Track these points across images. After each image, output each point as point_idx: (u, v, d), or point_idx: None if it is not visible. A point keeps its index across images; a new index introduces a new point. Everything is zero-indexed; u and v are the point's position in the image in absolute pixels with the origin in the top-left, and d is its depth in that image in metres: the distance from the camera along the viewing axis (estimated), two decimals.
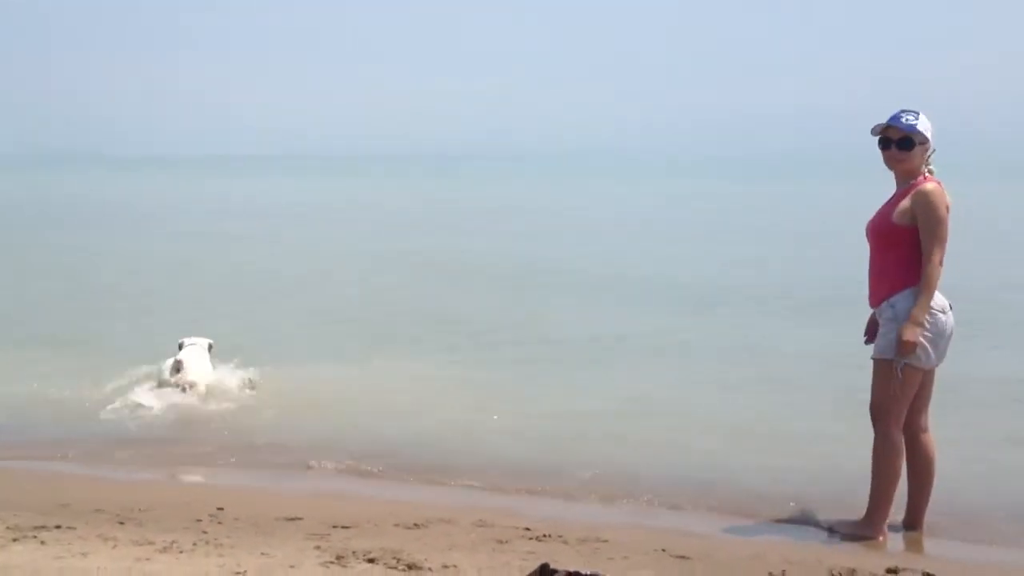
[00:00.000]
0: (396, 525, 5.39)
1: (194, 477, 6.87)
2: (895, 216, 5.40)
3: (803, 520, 5.82)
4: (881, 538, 5.47)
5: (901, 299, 5.34)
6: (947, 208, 5.34)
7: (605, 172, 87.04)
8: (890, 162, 5.47)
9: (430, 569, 4.48)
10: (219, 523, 5.40)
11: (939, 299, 5.35)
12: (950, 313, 5.40)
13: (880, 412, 5.45)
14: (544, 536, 5.21)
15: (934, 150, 5.46)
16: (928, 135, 5.42)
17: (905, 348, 5.30)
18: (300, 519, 5.47)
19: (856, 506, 5.61)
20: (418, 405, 8.55)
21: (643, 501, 6.24)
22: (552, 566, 3.64)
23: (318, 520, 5.43)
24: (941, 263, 5.30)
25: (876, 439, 5.47)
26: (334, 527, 5.30)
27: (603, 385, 9.30)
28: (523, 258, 19.40)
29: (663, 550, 5.00)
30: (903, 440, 5.46)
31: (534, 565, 4.47)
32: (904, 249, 5.37)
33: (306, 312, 13.65)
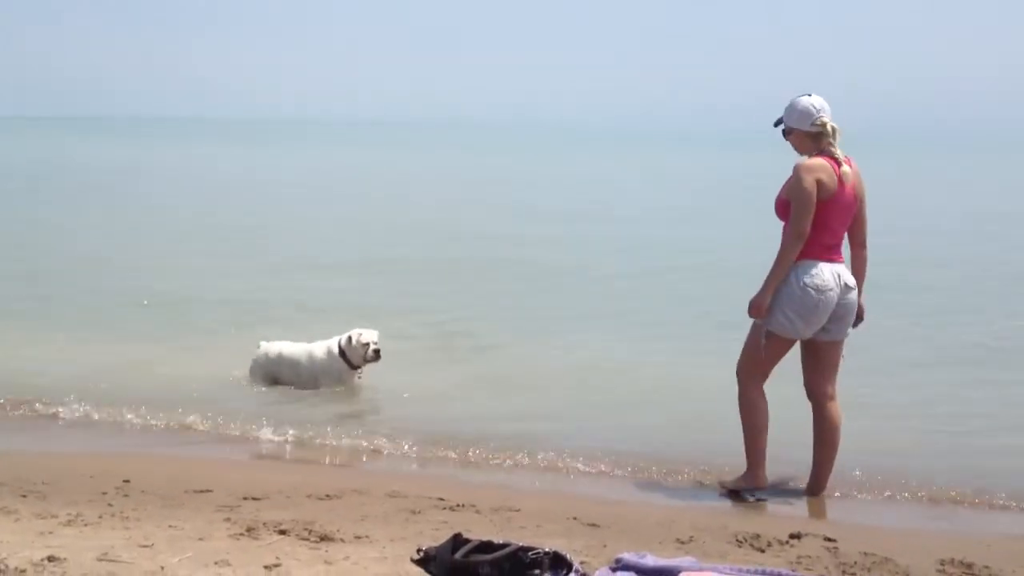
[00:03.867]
0: (308, 496, 5.34)
1: (99, 449, 6.68)
2: (783, 191, 5.59)
3: (712, 487, 5.96)
4: (764, 485, 5.73)
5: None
6: (819, 182, 5.43)
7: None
8: None
9: (343, 540, 4.46)
10: (125, 496, 5.29)
11: (823, 277, 5.46)
12: (835, 291, 5.48)
13: (740, 369, 5.73)
14: (457, 506, 5.22)
15: (824, 124, 5.53)
16: (797, 119, 5.57)
17: (750, 309, 5.57)
18: (209, 491, 5.38)
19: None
20: None
21: (556, 470, 6.31)
22: (465, 535, 3.65)
23: (228, 492, 5.36)
24: (800, 235, 5.42)
25: (739, 395, 5.74)
26: (244, 499, 5.23)
27: (523, 354, 9.36)
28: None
29: (575, 518, 5.07)
30: (762, 397, 5.72)
31: (447, 535, 4.49)
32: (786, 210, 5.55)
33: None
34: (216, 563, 4.06)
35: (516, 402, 7.83)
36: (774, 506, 5.70)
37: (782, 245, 5.48)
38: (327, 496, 5.36)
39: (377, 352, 7.96)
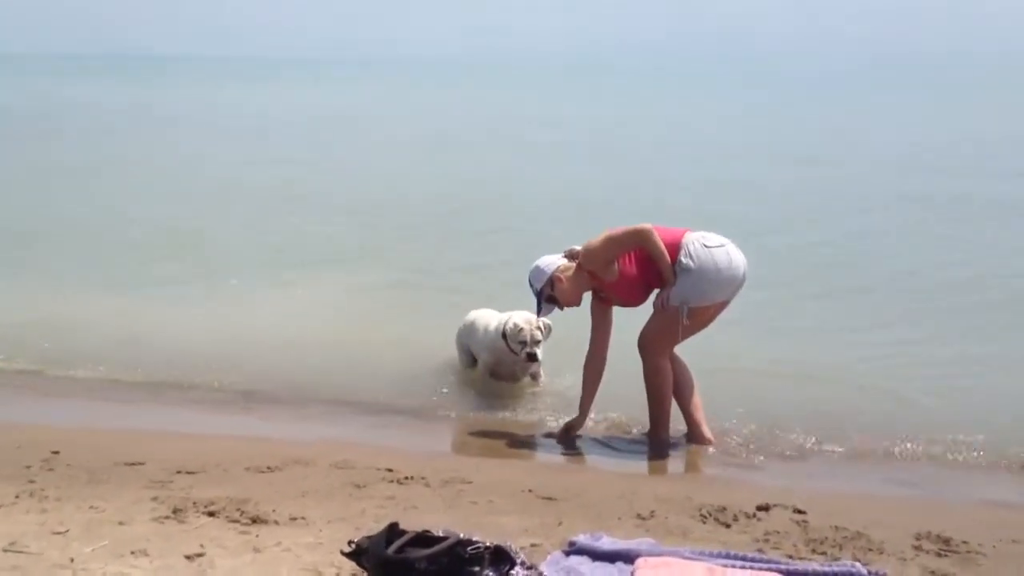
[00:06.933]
0: (247, 469, 5.03)
1: (28, 416, 6.31)
2: (615, 293, 5.74)
3: (673, 456, 5.68)
4: (667, 443, 5.81)
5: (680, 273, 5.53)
6: (606, 261, 5.62)
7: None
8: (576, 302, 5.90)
9: (276, 522, 4.13)
10: (50, 470, 4.96)
11: (714, 236, 5.58)
12: (726, 246, 5.56)
13: (647, 344, 5.71)
14: (406, 479, 4.90)
15: (569, 249, 5.81)
16: (544, 272, 5.78)
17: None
18: (141, 464, 5.05)
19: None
20: (289, 335, 8.14)
21: (510, 440, 5.97)
22: (401, 526, 3.34)
23: (161, 465, 5.02)
24: (661, 255, 5.49)
25: (646, 367, 5.72)
26: (178, 473, 4.90)
27: None
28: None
29: (530, 491, 4.77)
30: (668, 365, 5.78)
31: (391, 513, 4.19)
32: (640, 264, 5.64)
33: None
34: (132, 553, 3.73)
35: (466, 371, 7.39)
36: (741, 475, 5.42)
37: (660, 265, 5.56)
38: (268, 468, 5.04)
39: (531, 356, 6.57)
